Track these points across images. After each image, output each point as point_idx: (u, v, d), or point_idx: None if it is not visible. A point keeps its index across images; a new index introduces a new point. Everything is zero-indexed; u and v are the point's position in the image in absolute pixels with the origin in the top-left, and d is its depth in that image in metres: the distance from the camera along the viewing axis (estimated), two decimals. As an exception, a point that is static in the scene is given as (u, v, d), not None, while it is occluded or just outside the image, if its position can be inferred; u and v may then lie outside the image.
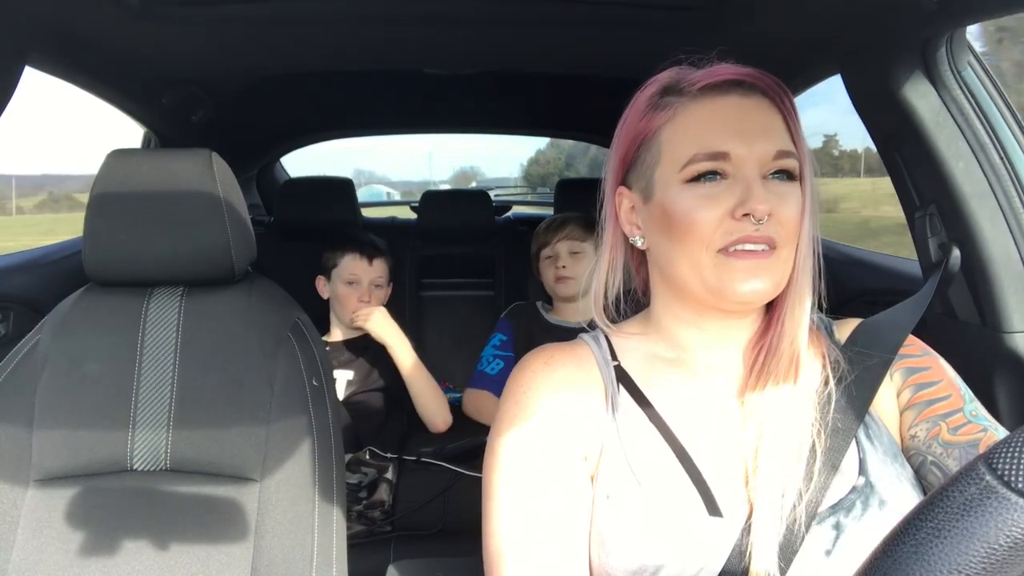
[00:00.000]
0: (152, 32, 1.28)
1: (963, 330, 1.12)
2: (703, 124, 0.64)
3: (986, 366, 1.06)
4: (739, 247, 0.62)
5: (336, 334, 1.87)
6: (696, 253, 0.64)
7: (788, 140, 0.65)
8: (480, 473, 0.68)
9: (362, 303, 1.78)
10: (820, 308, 0.71)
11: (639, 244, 0.71)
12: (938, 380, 0.69)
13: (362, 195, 3.44)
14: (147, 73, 1.53)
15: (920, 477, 0.66)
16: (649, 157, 0.67)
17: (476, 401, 1.81)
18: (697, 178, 0.64)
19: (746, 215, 0.62)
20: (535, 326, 1.90)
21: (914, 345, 0.72)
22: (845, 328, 0.73)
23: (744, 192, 0.62)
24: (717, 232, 0.63)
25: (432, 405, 1.73)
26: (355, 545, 1.47)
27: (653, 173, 0.67)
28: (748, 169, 0.63)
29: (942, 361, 0.71)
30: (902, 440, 0.68)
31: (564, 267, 1.85)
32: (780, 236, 0.63)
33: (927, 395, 0.68)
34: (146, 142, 1.91)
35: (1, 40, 1.10)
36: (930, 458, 0.65)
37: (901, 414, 0.69)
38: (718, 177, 0.64)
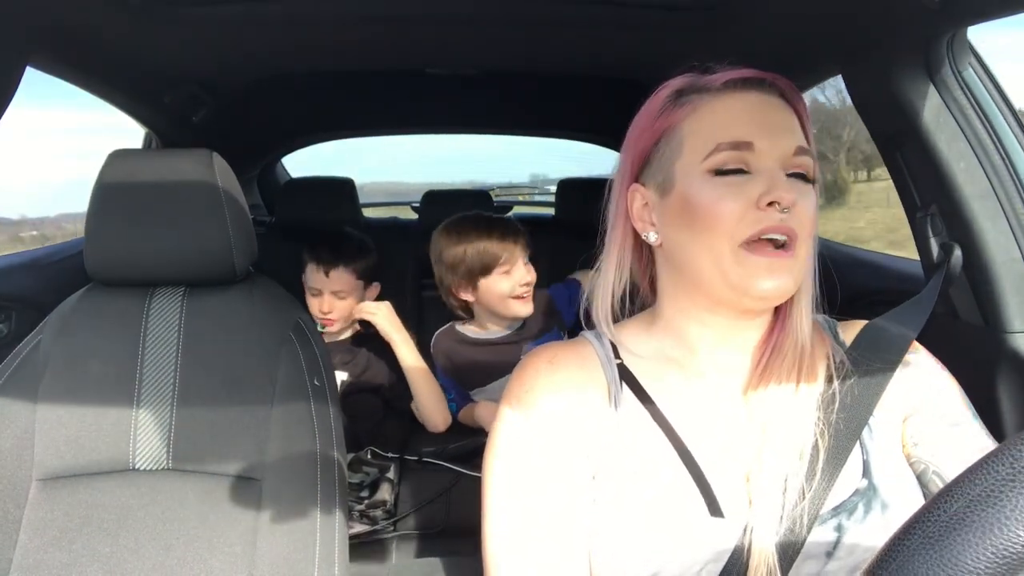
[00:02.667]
0: (153, 32, 1.28)
1: (965, 331, 1.12)
2: (727, 114, 0.65)
3: (988, 367, 1.06)
4: (762, 237, 0.62)
5: (329, 335, 1.85)
6: (719, 246, 0.63)
7: (804, 139, 0.66)
8: (481, 473, 0.68)
9: (322, 314, 1.74)
10: (823, 310, 0.71)
11: (652, 240, 0.70)
12: (943, 390, 0.69)
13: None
14: (148, 73, 1.53)
15: (922, 485, 0.66)
16: (669, 151, 0.67)
17: (465, 415, 1.77)
18: (721, 171, 0.64)
19: (771, 204, 0.62)
20: (458, 352, 1.75)
21: (920, 352, 0.72)
22: (850, 330, 0.73)
23: (769, 183, 0.62)
24: (741, 223, 0.63)
25: (432, 403, 1.73)
26: (357, 545, 1.47)
27: (673, 165, 0.67)
28: (771, 163, 0.64)
29: (947, 373, 0.71)
30: (904, 446, 0.68)
31: (527, 284, 1.63)
32: (800, 231, 0.63)
33: (932, 404, 0.68)
34: (147, 142, 1.91)
35: (3, 40, 1.10)
36: (932, 467, 0.65)
37: (905, 420, 0.68)
38: (742, 173, 0.64)
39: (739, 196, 0.63)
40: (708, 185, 0.64)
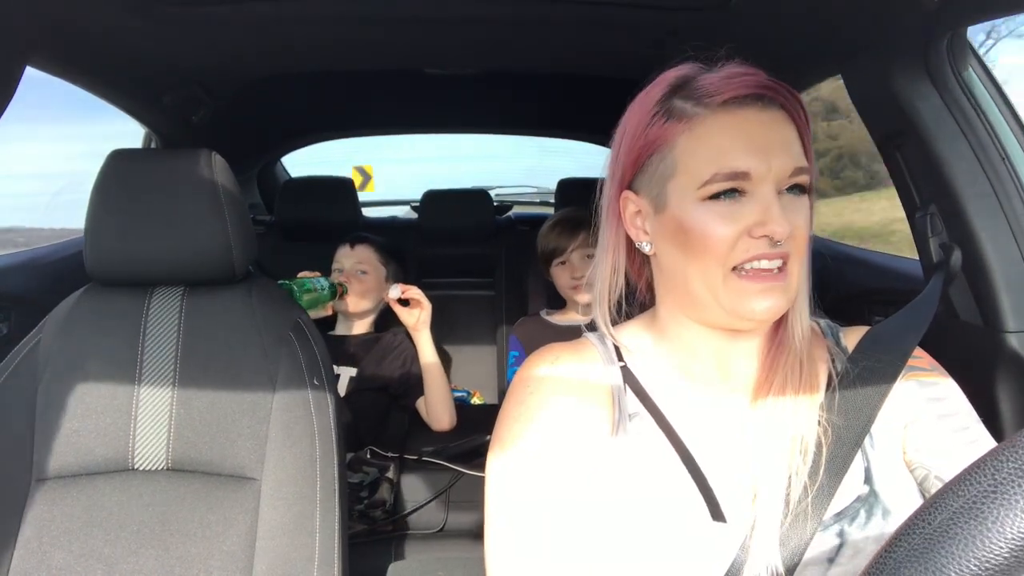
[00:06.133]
0: (153, 32, 1.28)
1: (964, 330, 1.12)
2: (723, 141, 0.63)
3: (987, 366, 1.06)
4: (753, 264, 0.62)
5: (342, 329, 1.90)
6: (710, 270, 0.63)
7: (803, 155, 0.65)
8: (481, 473, 0.68)
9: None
10: (823, 310, 0.71)
11: (647, 250, 0.70)
12: (946, 396, 0.69)
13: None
14: (148, 73, 1.53)
15: (923, 491, 0.66)
16: (663, 167, 0.66)
17: None
18: (716, 195, 0.63)
19: (764, 235, 0.61)
20: (543, 334, 1.83)
21: (923, 358, 0.72)
22: (853, 335, 0.73)
23: (763, 212, 0.61)
24: (734, 251, 0.62)
25: (443, 401, 1.76)
26: (356, 544, 1.47)
27: (667, 184, 0.65)
28: (766, 186, 0.62)
29: (950, 378, 0.71)
30: (906, 452, 0.67)
31: (582, 276, 1.74)
32: (792, 251, 0.63)
33: (935, 410, 0.67)
34: (147, 142, 1.92)
35: (2, 40, 1.10)
36: (934, 472, 0.65)
37: (907, 427, 0.68)
38: (736, 195, 0.63)
39: (733, 223, 0.62)
40: (701, 210, 0.63)
